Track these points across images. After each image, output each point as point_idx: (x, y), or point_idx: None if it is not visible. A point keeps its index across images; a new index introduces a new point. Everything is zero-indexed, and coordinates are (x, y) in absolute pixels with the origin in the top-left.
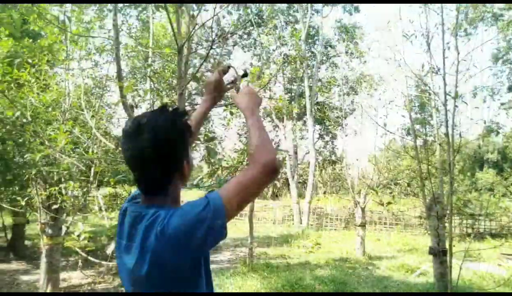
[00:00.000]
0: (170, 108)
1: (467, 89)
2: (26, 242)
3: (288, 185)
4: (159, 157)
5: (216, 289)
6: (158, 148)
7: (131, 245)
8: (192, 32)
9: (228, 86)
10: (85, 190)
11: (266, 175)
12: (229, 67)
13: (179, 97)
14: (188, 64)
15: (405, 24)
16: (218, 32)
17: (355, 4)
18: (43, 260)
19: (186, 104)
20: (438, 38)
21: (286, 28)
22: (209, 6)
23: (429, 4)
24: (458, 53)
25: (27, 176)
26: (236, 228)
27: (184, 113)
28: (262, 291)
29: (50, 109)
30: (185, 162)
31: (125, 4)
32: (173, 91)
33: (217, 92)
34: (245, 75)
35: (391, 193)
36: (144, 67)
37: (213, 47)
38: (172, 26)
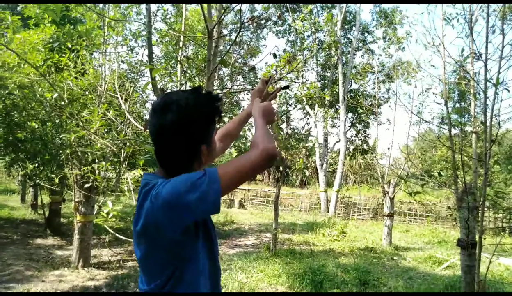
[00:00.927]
0: (203, 91)
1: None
2: (62, 220)
3: (317, 173)
4: (177, 136)
5: (239, 271)
6: (177, 129)
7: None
8: (223, 16)
9: (272, 95)
10: (117, 171)
11: (264, 159)
12: (270, 77)
13: (207, 81)
14: (219, 48)
15: (446, 7)
16: (248, 16)
17: None
18: (76, 237)
19: (217, 89)
20: (483, 22)
21: (322, 13)
22: None
23: None
24: (504, 37)
25: (63, 156)
26: (262, 213)
27: (216, 98)
28: (284, 275)
29: (86, 93)
30: (203, 146)
31: None
32: (204, 76)
33: (261, 100)
34: (286, 87)
35: (424, 184)
36: (175, 52)
37: (243, 30)
38: (203, 10)
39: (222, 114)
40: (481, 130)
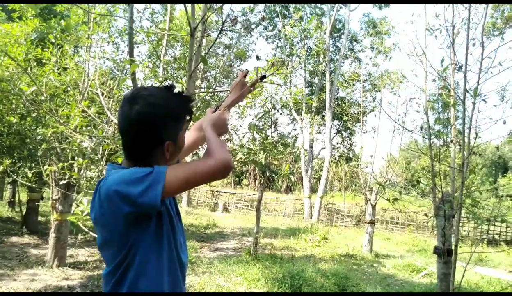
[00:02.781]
0: (176, 90)
1: (492, 89)
2: (40, 218)
3: (303, 179)
4: (140, 130)
5: (218, 275)
6: (141, 122)
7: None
8: (207, 16)
9: (251, 88)
10: (98, 169)
11: (218, 168)
12: (247, 70)
13: (188, 79)
14: (202, 47)
15: (430, 18)
16: (231, 16)
17: None
18: (52, 235)
19: (201, 88)
20: (465, 34)
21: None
22: None
23: None
24: (483, 49)
25: (40, 152)
26: (246, 218)
27: (187, 98)
28: (263, 279)
29: (69, 89)
30: (168, 142)
31: None
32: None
33: (240, 91)
34: (263, 77)
35: (404, 192)
36: (155, 49)
37: (231, 32)
38: (186, 9)
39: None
40: (459, 140)
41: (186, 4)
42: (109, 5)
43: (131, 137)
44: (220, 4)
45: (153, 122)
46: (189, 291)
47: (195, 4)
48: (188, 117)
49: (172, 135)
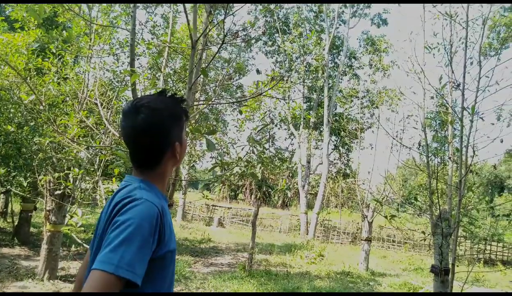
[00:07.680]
0: (169, 94)
1: (489, 107)
2: (32, 229)
3: (299, 194)
4: (150, 136)
5: (212, 291)
6: (150, 128)
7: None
8: (208, 30)
9: None
10: (94, 180)
11: None
12: None
13: (188, 91)
14: (203, 60)
15: (428, 37)
16: (233, 30)
17: (384, 16)
18: (44, 246)
19: (200, 100)
20: (463, 52)
21: (312, 36)
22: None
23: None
24: (481, 68)
25: (36, 162)
26: (241, 233)
27: (180, 99)
28: None
29: (67, 99)
30: (176, 143)
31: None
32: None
33: None
34: None
35: (401, 209)
36: (155, 59)
37: (225, 43)
38: (188, 21)
39: (190, 116)
40: (456, 158)
41: (188, 17)
42: (111, 16)
43: (143, 145)
44: (222, 18)
45: (161, 126)
46: None
47: (197, 17)
48: (185, 118)
49: (178, 135)
